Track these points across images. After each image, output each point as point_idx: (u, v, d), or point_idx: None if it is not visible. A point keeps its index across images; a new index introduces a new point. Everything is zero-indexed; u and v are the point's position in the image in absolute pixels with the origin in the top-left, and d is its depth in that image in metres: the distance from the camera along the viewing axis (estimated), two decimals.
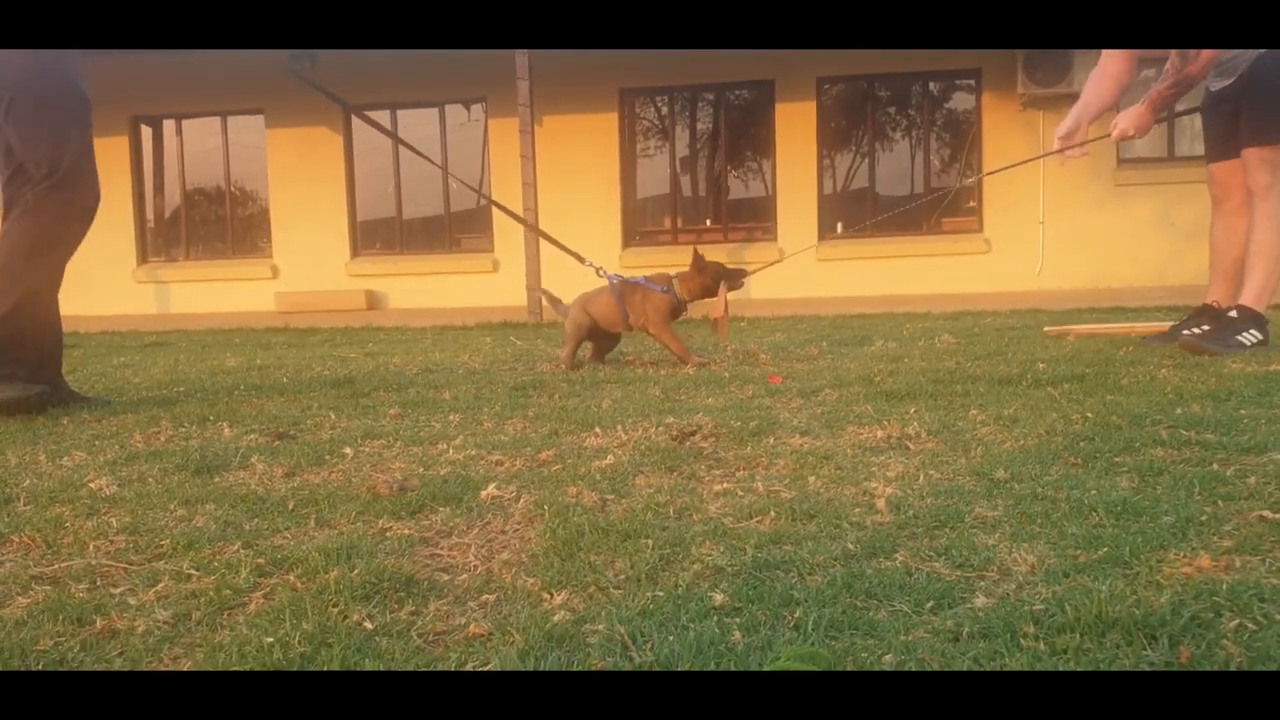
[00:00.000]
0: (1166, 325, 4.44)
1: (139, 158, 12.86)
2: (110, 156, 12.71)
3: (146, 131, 12.92)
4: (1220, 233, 4.20)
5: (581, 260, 4.29)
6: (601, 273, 4.23)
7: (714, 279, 4.07)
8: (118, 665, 1.23)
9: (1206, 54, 3.87)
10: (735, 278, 4.11)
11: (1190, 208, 10.89)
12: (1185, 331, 4.05)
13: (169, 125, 12.95)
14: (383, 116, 12.41)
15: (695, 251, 4.14)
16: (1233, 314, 3.94)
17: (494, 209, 4.35)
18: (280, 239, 12.54)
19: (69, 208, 3.23)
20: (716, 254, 4.33)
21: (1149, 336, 4.29)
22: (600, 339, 4.30)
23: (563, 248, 4.35)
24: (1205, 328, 4.00)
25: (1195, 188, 11.19)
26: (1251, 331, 3.86)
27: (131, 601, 1.43)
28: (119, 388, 3.91)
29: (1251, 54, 3.92)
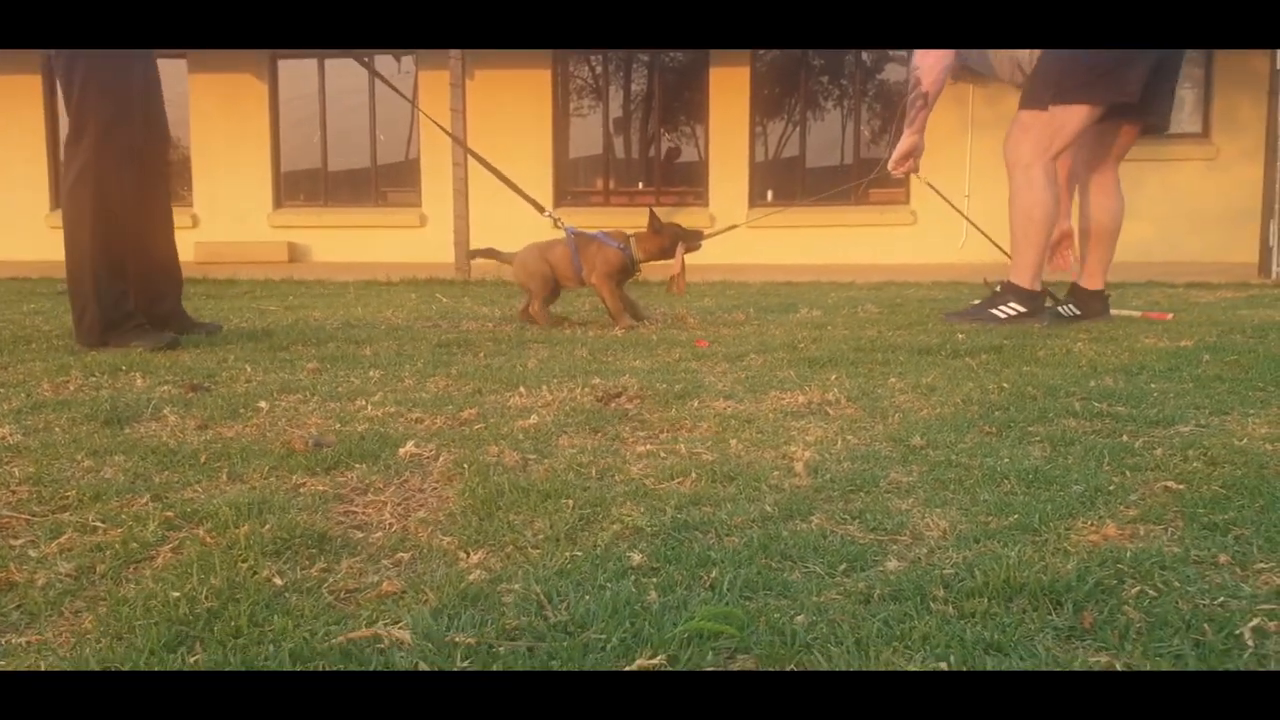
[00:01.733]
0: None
1: (52, 100, 12.39)
2: (24, 98, 12.24)
3: None
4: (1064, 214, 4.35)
5: (541, 210, 4.24)
6: (559, 224, 4.15)
7: (671, 240, 4.07)
8: (14, 619, 1.19)
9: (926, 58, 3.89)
10: (693, 239, 4.13)
11: None
12: (1059, 309, 4.22)
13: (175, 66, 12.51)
14: (309, 65, 12.12)
15: (651, 212, 4.13)
16: (997, 287, 4.09)
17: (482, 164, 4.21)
18: (201, 188, 12.21)
19: (114, 154, 3.33)
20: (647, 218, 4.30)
21: (955, 313, 4.31)
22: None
23: (524, 195, 4.27)
24: (1073, 309, 4.16)
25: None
26: (1012, 304, 4.01)
27: (32, 554, 1.39)
28: (28, 335, 3.77)
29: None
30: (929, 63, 3.92)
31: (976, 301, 4.25)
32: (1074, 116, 3.88)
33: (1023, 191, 3.95)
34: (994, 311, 3.99)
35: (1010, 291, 4.02)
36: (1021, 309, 3.97)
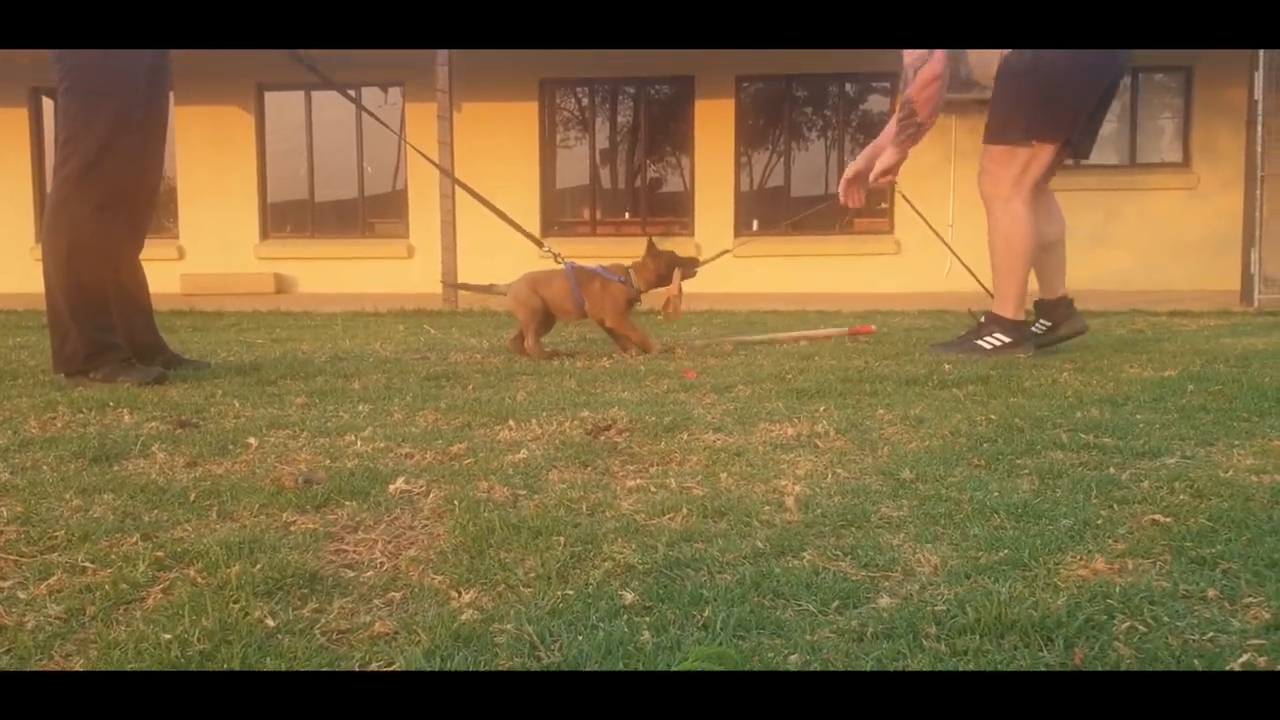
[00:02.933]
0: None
1: (39, 130, 12.39)
2: (10, 129, 12.24)
3: (48, 104, 12.44)
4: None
5: (539, 245, 4.29)
6: (559, 259, 4.18)
7: (668, 267, 4.13)
8: (4, 663, 1.18)
9: (921, 75, 3.86)
10: (689, 266, 4.19)
11: (1091, 215, 11.25)
12: (1033, 329, 4.21)
13: None
14: (295, 97, 12.16)
15: (649, 240, 4.19)
16: (981, 318, 4.12)
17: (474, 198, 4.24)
18: (187, 219, 12.21)
19: (97, 189, 3.34)
20: (635, 247, 4.33)
21: (940, 345, 4.31)
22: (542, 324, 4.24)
23: (521, 230, 4.31)
24: (1001, 338, 4.15)
25: (1097, 195, 11.57)
26: (997, 335, 4.01)
27: (21, 595, 1.38)
28: (13, 370, 3.76)
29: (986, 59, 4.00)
30: (926, 95, 3.94)
31: (962, 333, 4.26)
32: (1048, 149, 3.94)
33: (1004, 223, 3.98)
34: (979, 343, 4.01)
35: (994, 322, 4.05)
36: (1006, 339, 3.99)
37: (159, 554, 1.53)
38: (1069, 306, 4.22)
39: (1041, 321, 4.24)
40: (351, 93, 4.94)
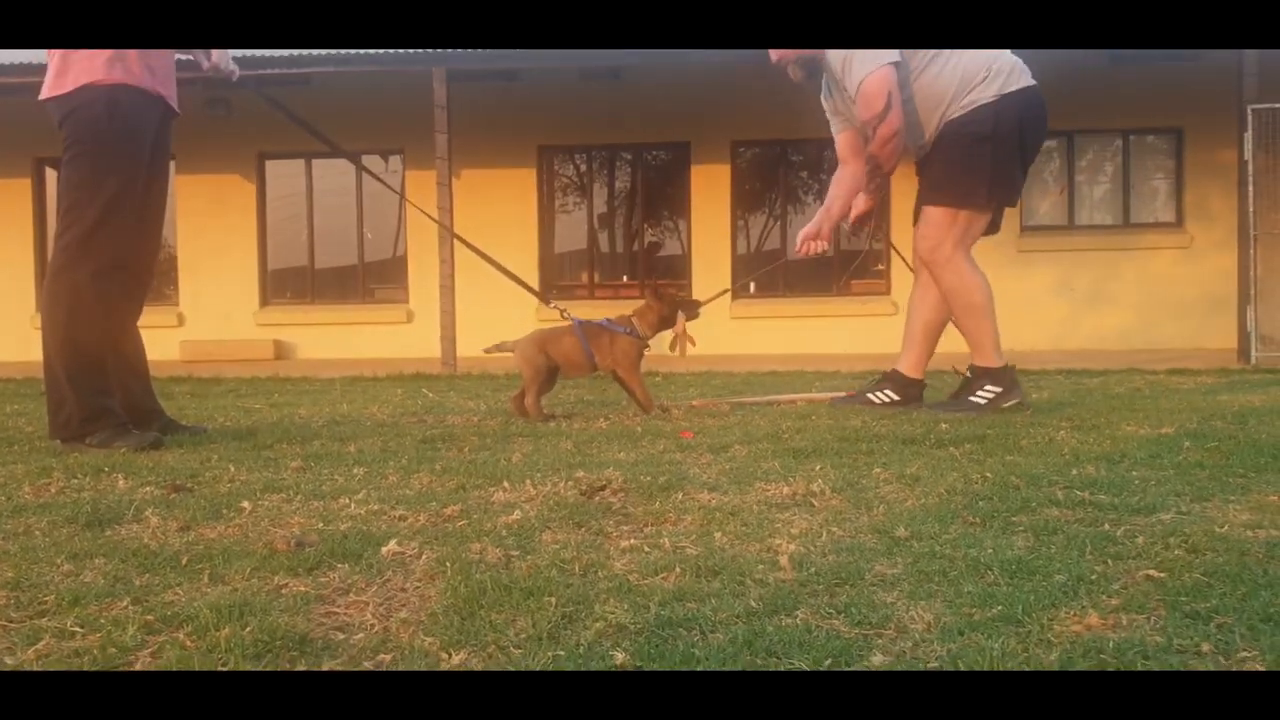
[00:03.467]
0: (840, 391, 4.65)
1: (42, 200, 12.52)
2: (13, 199, 12.36)
3: (51, 175, 12.60)
4: (915, 297, 4.39)
5: (546, 302, 4.36)
6: (565, 314, 4.24)
7: (672, 309, 4.19)
8: None
9: (881, 132, 3.94)
10: (692, 307, 4.28)
11: (1088, 274, 11.33)
12: (870, 395, 4.29)
13: None
14: (296, 165, 12.31)
15: (651, 285, 4.25)
16: (968, 374, 4.14)
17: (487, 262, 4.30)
18: (187, 287, 12.28)
19: (98, 254, 3.37)
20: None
21: (839, 398, 4.49)
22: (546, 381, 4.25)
23: (527, 287, 4.40)
24: (890, 394, 4.24)
25: (1093, 254, 11.66)
26: (987, 388, 4.03)
27: (9, 661, 1.37)
28: (10, 437, 3.76)
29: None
30: (888, 151, 4.01)
31: (891, 394, 4.31)
32: (986, 214, 4.06)
33: (954, 284, 4.04)
34: (973, 399, 4.03)
35: (983, 376, 4.07)
36: (997, 389, 4.02)
37: (149, 618, 1.52)
38: (921, 391, 4.27)
39: (889, 392, 4.28)
40: (356, 157, 5.00)
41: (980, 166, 3.95)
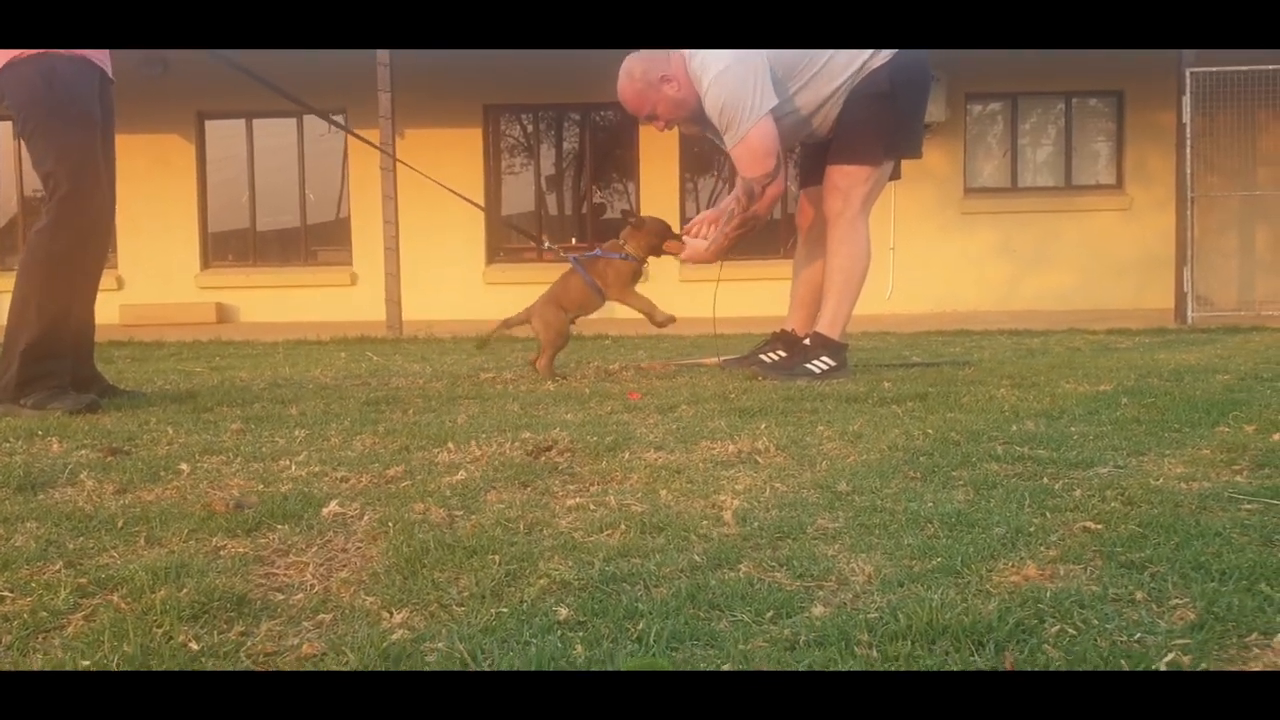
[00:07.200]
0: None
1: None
2: None
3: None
4: (801, 259, 4.40)
5: (540, 245, 4.40)
6: (560, 253, 4.28)
7: (659, 235, 4.21)
8: None
9: (771, 192, 3.92)
10: (672, 234, 4.25)
11: (1030, 235, 11.46)
12: (762, 355, 4.26)
13: (4, 128, 12.28)
14: (236, 125, 12.05)
15: (627, 213, 4.26)
16: (807, 341, 4.09)
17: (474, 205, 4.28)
18: (127, 249, 11.99)
19: (77, 220, 3.32)
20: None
21: (729, 359, 4.49)
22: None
23: (523, 232, 4.44)
24: (780, 354, 4.20)
25: (1035, 216, 11.80)
26: (823, 359, 3.96)
27: None
28: None
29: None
30: (769, 205, 4.00)
31: (782, 354, 4.21)
32: (888, 167, 4.07)
33: (850, 244, 3.99)
34: (809, 366, 3.94)
35: (822, 345, 3.99)
36: (833, 363, 3.96)
37: (82, 581, 1.49)
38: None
39: (780, 351, 4.23)
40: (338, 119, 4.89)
41: (885, 124, 3.95)
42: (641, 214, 4.26)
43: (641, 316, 4.18)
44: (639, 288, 4.24)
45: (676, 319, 4.21)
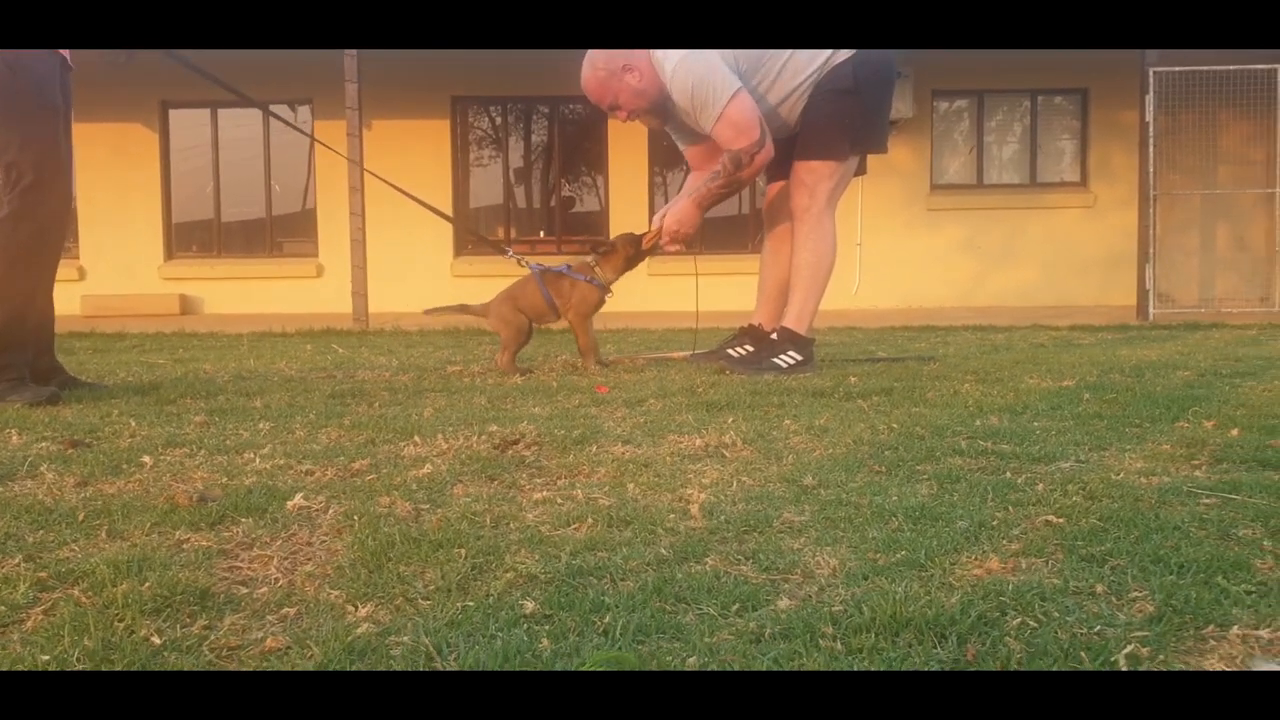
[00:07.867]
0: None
1: None
2: None
3: None
4: (767, 254, 4.42)
5: (504, 251, 4.34)
6: (523, 262, 4.18)
7: (630, 255, 4.16)
8: None
9: (759, 159, 3.93)
10: (643, 240, 4.18)
11: (995, 232, 11.56)
12: (729, 350, 4.25)
13: None
14: (200, 115, 11.92)
15: (595, 244, 4.21)
16: (774, 336, 4.11)
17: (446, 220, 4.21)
18: (88, 240, 11.84)
19: (39, 210, 3.28)
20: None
21: (698, 354, 4.48)
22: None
23: (486, 240, 4.34)
24: (748, 348, 4.20)
25: (1001, 213, 11.89)
26: (790, 353, 3.99)
27: None
28: None
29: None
30: (756, 171, 4.00)
31: (749, 348, 4.20)
32: (854, 162, 4.09)
33: (815, 240, 4.01)
34: (775, 360, 3.96)
35: (789, 340, 4.01)
36: (800, 357, 3.97)
37: (42, 575, 1.47)
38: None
39: (747, 346, 4.22)
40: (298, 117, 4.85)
41: (851, 119, 3.97)
42: (609, 238, 4.18)
43: (597, 315, 4.16)
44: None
45: (606, 365, 4.20)
